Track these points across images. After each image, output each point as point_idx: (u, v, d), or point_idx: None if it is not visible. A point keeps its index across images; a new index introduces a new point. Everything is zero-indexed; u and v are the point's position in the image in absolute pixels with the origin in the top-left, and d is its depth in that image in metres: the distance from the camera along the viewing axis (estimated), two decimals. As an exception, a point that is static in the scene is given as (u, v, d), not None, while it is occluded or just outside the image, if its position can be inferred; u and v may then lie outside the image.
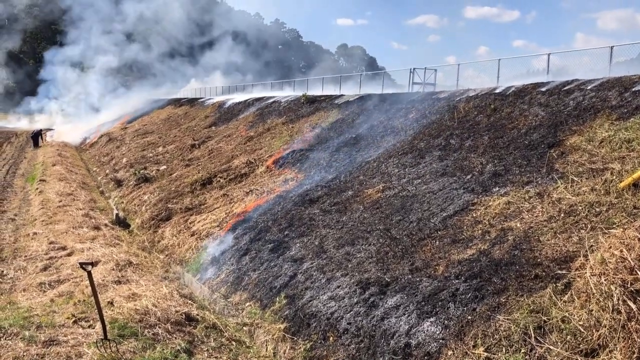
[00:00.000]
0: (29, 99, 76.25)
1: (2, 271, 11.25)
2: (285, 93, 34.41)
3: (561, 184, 8.56)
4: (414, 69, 24.32)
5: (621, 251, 5.07)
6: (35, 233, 14.25)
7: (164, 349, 7.33)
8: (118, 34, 77.67)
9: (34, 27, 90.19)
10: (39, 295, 9.71)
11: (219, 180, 18.33)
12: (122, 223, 17.51)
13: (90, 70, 74.03)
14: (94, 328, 7.74)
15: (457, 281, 7.06)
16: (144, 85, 70.18)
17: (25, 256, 12.23)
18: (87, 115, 60.34)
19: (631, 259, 4.93)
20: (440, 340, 6.19)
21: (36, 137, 43.12)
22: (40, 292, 9.91)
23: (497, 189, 9.60)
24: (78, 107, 65.98)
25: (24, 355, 6.57)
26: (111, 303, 8.71)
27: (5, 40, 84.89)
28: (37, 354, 6.67)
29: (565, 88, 13.29)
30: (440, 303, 6.78)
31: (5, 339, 7.06)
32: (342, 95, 25.86)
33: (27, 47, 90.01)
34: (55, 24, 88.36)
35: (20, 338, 7.11)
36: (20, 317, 7.97)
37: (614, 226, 6.57)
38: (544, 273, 6.32)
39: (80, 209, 17.64)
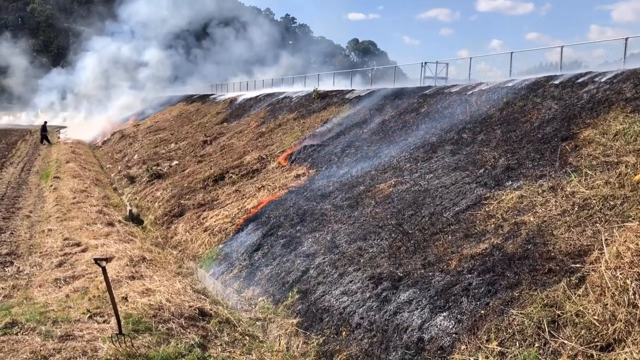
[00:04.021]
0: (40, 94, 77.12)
1: (19, 267, 11.40)
2: (296, 88, 34.40)
3: (575, 177, 8.48)
4: (425, 63, 24.16)
5: (637, 244, 5.02)
6: (50, 229, 14.40)
7: (178, 344, 7.39)
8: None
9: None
10: (54, 290, 9.83)
11: (231, 176, 18.40)
12: (135, 219, 17.65)
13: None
14: (108, 323, 7.83)
15: (469, 276, 7.04)
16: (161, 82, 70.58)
17: (41, 252, 12.38)
18: (99, 112, 60.78)
19: (647, 253, 4.88)
20: (454, 335, 6.18)
21: (43, 131, 43.60)
22: (55, 287, 10.03)
23: (510, 183, 9.54)
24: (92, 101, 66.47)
25: (40, 350, 6.66)
26: (125, 298, 8.79)
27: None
28: (53, 349, 6.75)
29: (578, 81, 13.14)
30: (453, 297, 6.76)
31: (22, 334, 7.19)
32: (353, 90, 25.81)
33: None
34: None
35: (37, 333, 7.23)
36: (37, 312, 8.09)
37: (629, 219, 6.50)
38: (557, 267, 6.28)
39: (94, 206, 17.80)
